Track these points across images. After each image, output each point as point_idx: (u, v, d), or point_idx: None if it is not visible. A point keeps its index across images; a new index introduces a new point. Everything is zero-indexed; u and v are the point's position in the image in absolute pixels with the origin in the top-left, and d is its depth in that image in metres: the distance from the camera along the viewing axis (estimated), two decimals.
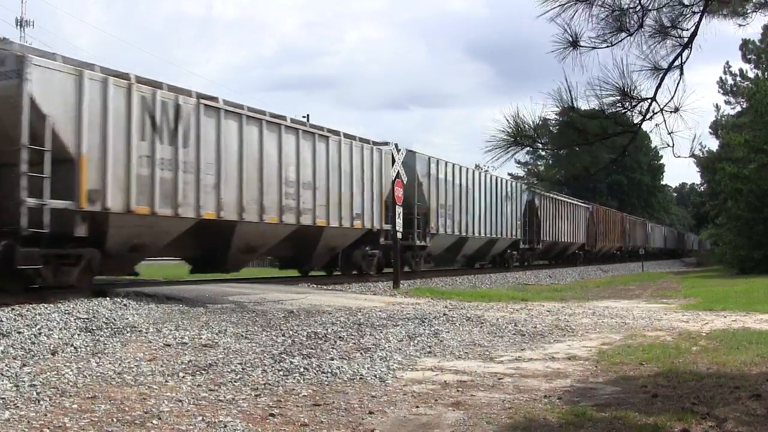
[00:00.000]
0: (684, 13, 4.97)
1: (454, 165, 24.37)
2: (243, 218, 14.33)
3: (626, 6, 4.92)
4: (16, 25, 47.03)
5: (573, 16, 4.84)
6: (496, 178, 28.70)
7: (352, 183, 18.20)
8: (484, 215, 26.89)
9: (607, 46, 4.94)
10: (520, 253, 31.89)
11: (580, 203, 41.87)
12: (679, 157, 5.09)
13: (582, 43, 4.95)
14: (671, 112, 4.94)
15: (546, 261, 39.31)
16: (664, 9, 4.96)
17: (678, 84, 4.89)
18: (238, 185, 14.15)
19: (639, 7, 4.91)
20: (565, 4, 4.79)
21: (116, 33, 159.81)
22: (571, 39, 4.92)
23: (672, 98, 4.91)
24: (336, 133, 17.83)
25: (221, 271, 15.56)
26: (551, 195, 35.70)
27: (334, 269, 19.71)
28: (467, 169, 25.84)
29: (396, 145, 20.07)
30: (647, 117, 5.00)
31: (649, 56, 4.96)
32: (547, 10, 4.79)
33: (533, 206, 32.58)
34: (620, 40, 4.95)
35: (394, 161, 19.86)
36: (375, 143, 19.62)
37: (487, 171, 29.34)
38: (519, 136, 5.03)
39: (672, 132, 4.96)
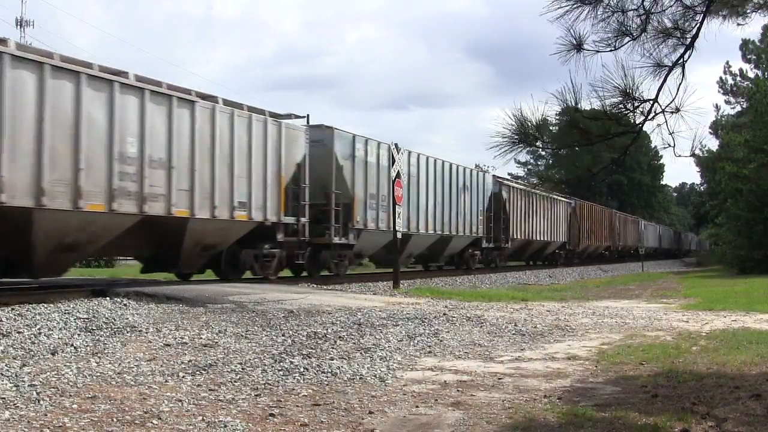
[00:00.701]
0: (686, 14, 5.00)
1: (390, 146, 19.66)
2: (43, 204, 10.73)
3: (629, 8, 4.95)
4: (16, 25, 47.08)
5: (577, 18, 4.87)
6: (450, 164, 24.29)
7: (233, 163, 14.53)
8: (433, 208, 22.60)
9: (611, 50, 4.98)
10: (485, 252, 27.97)
11: (559, 197, 36.83)
12: (680, 156, 5.13)
13: (586, 47, 4.98)
14: (672, 112, 4.96)
15: (522, 262, 35.55)
16: (666, 11, 4.99)
17: (680, 85, 4.92)
18: (34, 159, 10.61)
19: (642, 10, 4.93)
20: (570, 4, 4.81)
21: (116, 33, 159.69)
22: (575, 42, 4.95)
23: (673, 99, 4.94)
24: (210, 98, 14.25)
25: (29, 276, 11.88)
26: (522, 187, 31.78)
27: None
28: (409, 152, 21.11)
29: (396, 145, 19.27)
30: (649, 117, 5.02)
31: (652, 57, 4.99)
32: (552, 10, 4.82)
33: (500, 199, 28.41)
34: (624, 44, 4.98)
35: (394, 160, 18.46)
36: (274, 115, 16.00)
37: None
38: (522, 135, 5.06)
39: (673, 132, 4.99)
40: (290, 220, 16.37)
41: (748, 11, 5.38)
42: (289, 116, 16.80)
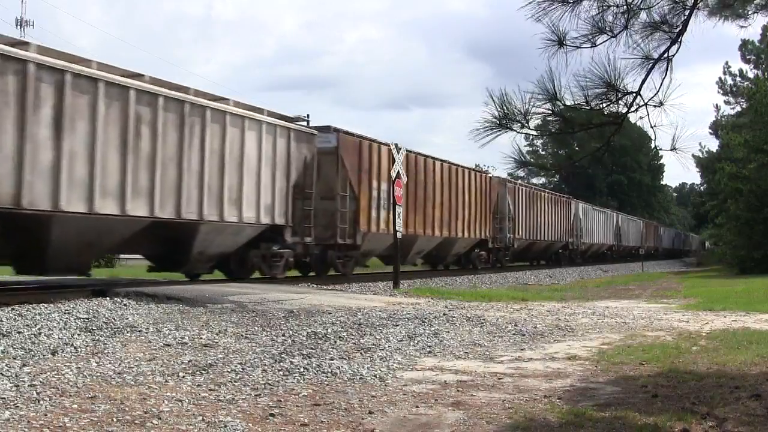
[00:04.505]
0: (674, 9, 5.01)
1: None
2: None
3: (611, 5, 4.97)
4: (16, 25, 47.03)
5: (560, 17, 4.91)
6: None
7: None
8: None
9: (591, 46, 5.00)
10: None
11: (298, 128, 16.51)
12: (661, 150, 5.20)
13: (567, 43, 5.01)
14: (655, 106, 4.98)
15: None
16: (655, 7, 5.01)
17: (664, 79, 4.94)
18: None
19: (625, 7, 4.95)
20: (547, 6, 4.86)
21: (116, 33, 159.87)
22: (557, 39, 4.98)
23: (657, 93, 4.95)
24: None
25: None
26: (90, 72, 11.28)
27: None
28: None
29: (396, 145, 19.11)
30: (631, 109, 5.04)
31: (639, 50, 5.03)
32: (533, 14, 4.87)
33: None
34: (603, 42, 5.02)
35: (394, 160, 17.95)
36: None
37: None
38: (505, 119, 5.06)
39: (654, 126, 5.02)
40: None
41: (749, 12, 5.38)
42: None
